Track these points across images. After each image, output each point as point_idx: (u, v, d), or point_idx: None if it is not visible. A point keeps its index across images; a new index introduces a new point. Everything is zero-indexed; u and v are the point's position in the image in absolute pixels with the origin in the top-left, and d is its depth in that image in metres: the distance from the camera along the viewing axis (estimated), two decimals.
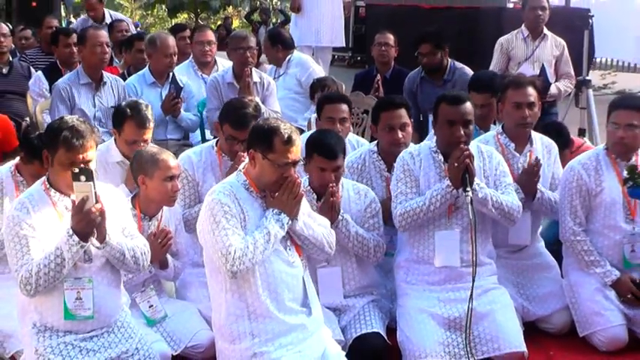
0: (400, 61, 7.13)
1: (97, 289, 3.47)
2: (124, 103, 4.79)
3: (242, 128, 4.39)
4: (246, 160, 3.80)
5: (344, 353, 3.79)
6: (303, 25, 9.24)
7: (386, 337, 4.10)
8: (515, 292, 4.47)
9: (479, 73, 5.67)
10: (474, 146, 4.19)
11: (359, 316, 4.17)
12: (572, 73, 6.88)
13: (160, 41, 6.22)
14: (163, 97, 6.15)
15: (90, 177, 3.27)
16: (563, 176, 4.55)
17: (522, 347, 4.04)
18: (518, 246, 4.60)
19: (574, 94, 7.13)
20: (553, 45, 6.80)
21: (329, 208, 4.04)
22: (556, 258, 4.69)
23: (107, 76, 6.16)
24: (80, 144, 3.39)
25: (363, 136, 6.04)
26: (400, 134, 4.54)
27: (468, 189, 3.95)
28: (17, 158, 4.21)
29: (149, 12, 32.05)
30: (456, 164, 4.00)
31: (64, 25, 11.48)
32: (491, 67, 6.80)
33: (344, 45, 10.63)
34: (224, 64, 6.88)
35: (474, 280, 3.90)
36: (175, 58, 6.35)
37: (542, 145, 4.66)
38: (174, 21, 27.54)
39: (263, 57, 8.08)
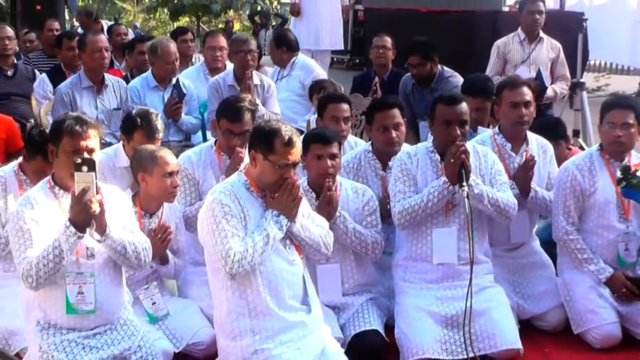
0: (397, 63, 7.13)
1: (99, 285, 3.47)
2: (134, 112, 4.77)
3: (238, 121, 4.45)
4: (245, 154, 3.85)
5: (343, 350, 3.80)
6: (302, 28, 9.24)
7: (384, 335, 4.12)
8: (511, 291, 4.48)
9: (472, 77, 5.66)
10: (469, 146, 4.21)
11: (357, 313, 4.18)
12: (568, 75, 6.91)
13: (161, 49, 6.19)
14: (165, 100, 6.15)
15: (92, 168, 3.25)
16: (557, 177, 4.56)
17: (518, 344, 4.06)
18: (516, 244, 4.62)
19: (568, 96, 7.15)
20: (549, 48, 6.81)
21: (327, 202, 4.06)
22: (551, 258, 4.70)
23: (109, 78, 6.16)
24: (83, 130, 3.42)
25: (361, 137, 6.05)
26: (394, 134, 4.56)
27: (464, 184, 3.98)
28: (20, 158, 4.22)
29: (151, 15, 32.07)
30: (452, 160, 4.03)
31: (67, 29, 11.51)
32: (487, 70, 6.82)
33: (343, 48, 10.64)
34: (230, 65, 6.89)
35: (472, 270, 3.91)
36: (177, 64, 6.34)
37: (537, 145, 4.69)
38: (175, 24, 27.53)
39: (263, 60, 8.09)
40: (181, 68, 6.83)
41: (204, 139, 6.37)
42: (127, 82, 6.51)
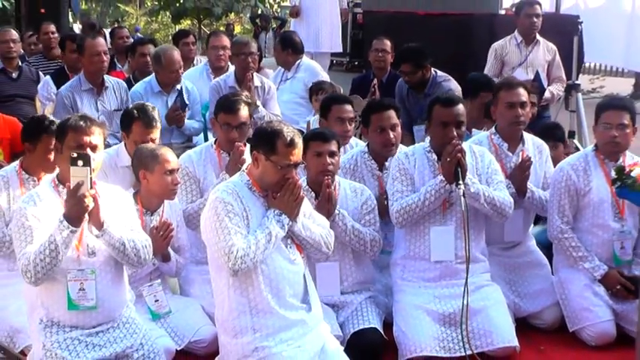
0: (394, 66, 7.12)
1: (101, 282, 3.47)
2: (131, 106, 4.82)
3: (235, 112, 4.52)
4: (245, 150, 3.93)
5: (342, 348, 3.80)
6: (302, 31, 9.24)
7: (383, 333, 4.12)
8: (508, 289, 4.48)
9: (473, 76, 5.67)
10: (466, 146, 4.23)
11: (356, 311, 4.18)
12: (564, 77, 6.93)
13: (165, 58, 6.11)
14: (169, 105, 6.12)
15: (87, 162, 3.26)
16: (553, 176, 4.58)
17: (514, 342, 4.07)
18: (512, 242, 4.62)
19: (564, 98, 7.16)
20: (545, 50, 6.83)
21: (326, 200, 4.06)
22: (549, 260, 4.71)
23: (109, 79, 6.16)
24: (87, 125, 3.47)
25: (360, 138, 6.05)
26: (391, 134, 4.57)
27: (460, 182, 3.99)
28: (22, 157, 4.23)
29: (154, 18, 32.05)
30: (448, 159, 4.03)
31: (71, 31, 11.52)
32: (485, 72, 6.82)
33: (342, 50, 10.64)
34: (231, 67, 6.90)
35: (468, 267, 3.92)
36: (182, 71, 6.30)
37: (533, 145, 4.70)
38: (177, 27, 27.52)
39: (264, 62, 8.09)
40: (183, 71, 6.82)
41: (206, 140, 6.37)
42: (130, 83, 6.50)
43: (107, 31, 9.78)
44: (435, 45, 7.92)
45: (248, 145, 4.16)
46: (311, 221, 3.75)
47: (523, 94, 4.59)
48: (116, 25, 14.67)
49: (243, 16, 29.64)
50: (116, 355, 3.51)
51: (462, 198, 3.96)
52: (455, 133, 4.12)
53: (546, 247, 4.76)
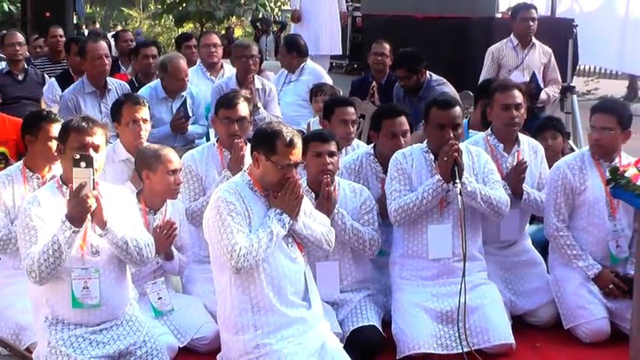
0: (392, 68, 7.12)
1: (104, 281, 3.48)
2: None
3: (234, 106, 4.58)
4: (245, 148, 3.98)
5: (342, 345, 3.80)
6: (302, 34, 9.22)
7: (381, 330, 4.12)
8: (504, 287, 4.48)
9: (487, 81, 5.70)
10: (463, 147, 4.23)
11: (356, 310, 4.19)
12: (559, 79, 6.94)
13: (171, 67, 6.03)
14: (174, 111, 6.08)
15: (90, 164, 3.25)
16: (549, 175, 4.58)
17: (510, 339, 4.07)
18: (508, 242, 4.62)
19: (559, 100, 7.16)
20: (541, 53, 6.83)
21: (325, 199, 4.06)
22: (542, 256, 4.70)
23: (112, 82, 6.14)
24: (89, 126, 3.47)
25: (360, 139, 6.05)
26: (402, 140, 4.57)
27: (457, 181, 3.99)
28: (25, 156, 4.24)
29: (157, 22, 32.05)
30: (445, 158, 4.04)
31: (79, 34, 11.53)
32: (482, 75, 6.84)
33: (341, 53, 10.64)
34: (231, 69, 6.91)
35: (464, 265, 3.93)
36: (187, 79, 6.26)
37: (528, 146, 4.70)
38: (180, 30, 27.51)
39: (264, 64, 8.10)
40: None
41: (208, 141, 6.36)
42: (134, 86, 6.48)
43: (110, 35, 9.78)
44: (432, 48, 7.93)
45: (248, 145, 4.17)
46: (312, 219, 3.75)
47: (518, 96, 4.59)
48: (119, 29, 14.70)
49: (244, 20, 29.65)
50: (120, 352, 3.52)
51: (459, 197, 3.96)
52: (451, 135, 4.13)
53: (541, 246, 4.77)
